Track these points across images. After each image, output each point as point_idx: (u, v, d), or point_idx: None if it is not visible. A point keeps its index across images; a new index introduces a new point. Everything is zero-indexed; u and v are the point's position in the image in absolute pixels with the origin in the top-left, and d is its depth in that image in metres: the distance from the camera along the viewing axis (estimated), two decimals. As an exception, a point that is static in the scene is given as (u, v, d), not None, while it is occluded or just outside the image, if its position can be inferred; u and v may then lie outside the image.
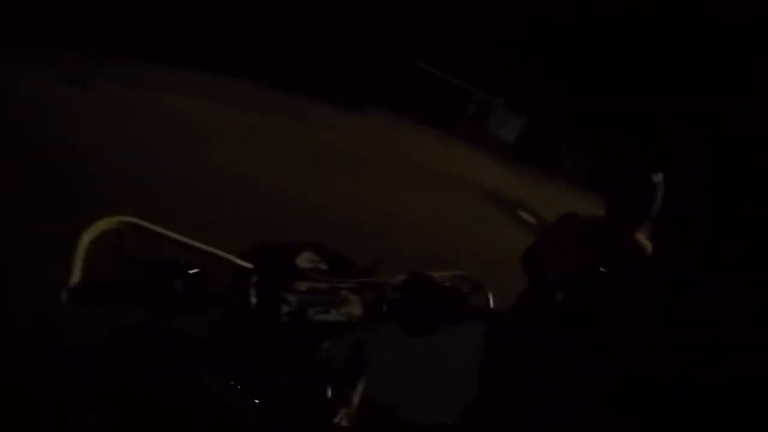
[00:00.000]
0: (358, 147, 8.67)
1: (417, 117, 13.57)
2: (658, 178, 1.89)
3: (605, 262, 1.71)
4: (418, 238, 5.32)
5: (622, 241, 1.78)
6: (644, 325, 0.57)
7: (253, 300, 1.00)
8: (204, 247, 1.06)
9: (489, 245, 6.00)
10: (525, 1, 12.41)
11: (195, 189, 4.36)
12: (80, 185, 3.66)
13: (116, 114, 5.62)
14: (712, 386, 0.49)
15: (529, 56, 12.59)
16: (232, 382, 1.01)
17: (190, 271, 0.96)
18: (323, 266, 1.11)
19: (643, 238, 1.99)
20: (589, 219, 2.09)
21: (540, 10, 11.70)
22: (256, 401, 1.01)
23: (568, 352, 0.67)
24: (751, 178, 0.47)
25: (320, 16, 11.10)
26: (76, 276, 0.89)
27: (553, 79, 12.26)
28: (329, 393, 1.03)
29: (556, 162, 15.01)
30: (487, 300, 1.44)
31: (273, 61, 10.56)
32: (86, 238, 0.93)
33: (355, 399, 1.07)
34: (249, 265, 1.05)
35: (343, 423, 1.02)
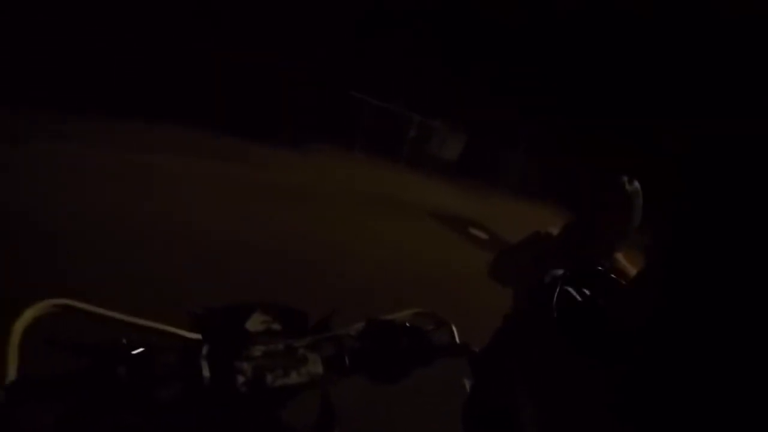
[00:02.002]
0: (302, 182, 8.61)
1: (357, 146, 13.68)
2: (636, 184, 1.75)
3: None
4: (373, 268, 5.28)
5: (602, 262, 1.51)
6: (647, 326, 0.55)
7: (206, 374, 0.92)
8: (146, 323, 0.99)
9: (444, 266, 6.03)
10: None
11: (135, 246, 4.16)
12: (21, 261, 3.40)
13: (50, 173, 5.34)
14: (718, 387, 0.47)
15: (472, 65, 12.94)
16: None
17: (134, 352, 0.89)
18: (276, 326, 1.06)
19: (623, 260, 1.74)
20: (562, 238, 1.86)
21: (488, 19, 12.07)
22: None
23: (570, 355, 0.65)
24: (751, 179, 0.47)
25: (249, 54, 11.09)
26: (11, 372, 0.82)
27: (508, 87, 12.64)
28: None
29: (502, 174, 15.40)
30: (452, 333, 1.41)
31: (207, 103, 10.43)
32: (18, 327, 0.86)
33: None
34: (197, 337, 0.98)
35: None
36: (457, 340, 1.38)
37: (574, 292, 0.73)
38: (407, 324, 1.23)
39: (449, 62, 12.49)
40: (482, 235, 8.82)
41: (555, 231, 1.93)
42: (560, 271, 0.82)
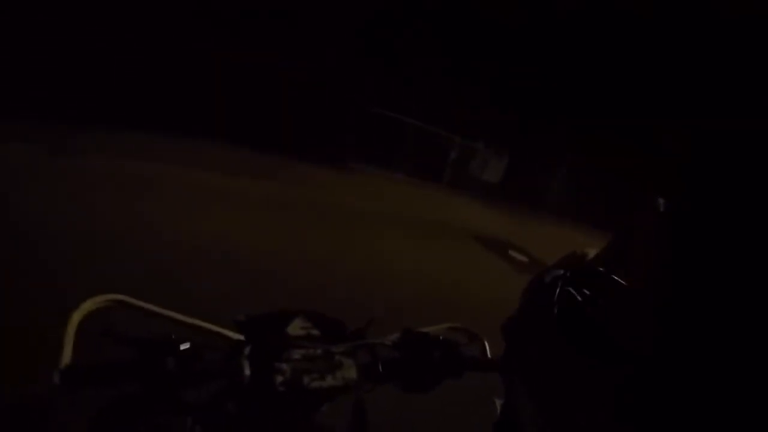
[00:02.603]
0: (346, 203, 8.75)
1: (401, 168, 13.79)
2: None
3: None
4: (413, 287, 5.30)
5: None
6: (647, 326, 0.57)
7: (247, 372, 0.99)
8: (195, 321, 1.06)
9: (483, 287, 5.98)
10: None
11: (187, 259, 4.34)
12: (63, 263, 3.63)
13: (98, 185, 5.64)
14: (718, 387, 0.49)
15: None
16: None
17: (182, 347, 0.95)
18: (315, 332, 1.11)
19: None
20: (597, 259, 1.96)
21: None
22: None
23: (571, 355, 0.66)
24: (752, 178, 0.49)
25: (297, 76, 11.36)
26: (66, 357, 0.89)
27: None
28: None
29: (542, 197, 15.18)
30: (484, 349, 1.43)
31: (256, 124, 10.72)
32: (75, 318, 0.93)
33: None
34: (240, 337, 1.05)
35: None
36: (489, 355, 1.40)
37: (574, 292, 0.74)
38: (440, 337, 1.26)
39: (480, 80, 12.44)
40: (521, 258, 8.70)
41: (591, 252, 1.93)
42: (560, 271, 0.84)
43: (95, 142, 7.31)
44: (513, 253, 8.87)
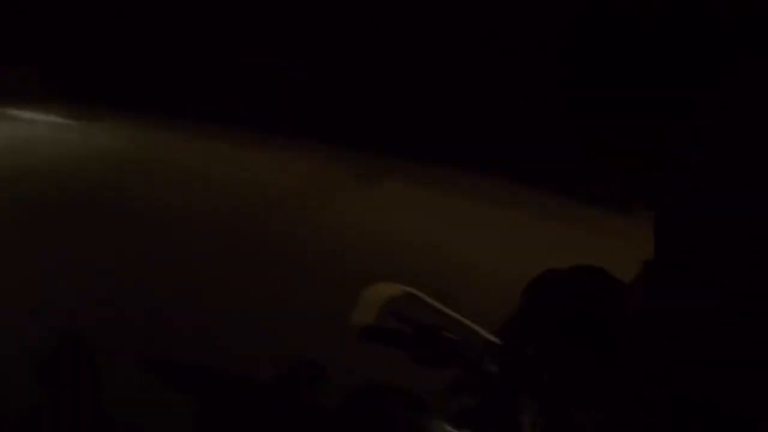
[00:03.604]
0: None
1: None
2: None
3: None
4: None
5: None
6: (647, 326, 0.57)
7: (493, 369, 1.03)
8: (466, 322, 1.14)
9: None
10: None
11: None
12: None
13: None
14: (718, 387, 0.49)
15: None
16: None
17: (452, 337, 1.10)
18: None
19: None
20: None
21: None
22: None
23: (571, 355, 0.66)
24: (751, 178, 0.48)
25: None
26: (367, 318, 1.15)
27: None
28: None
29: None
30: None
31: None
32: (373, 294, 1.21)
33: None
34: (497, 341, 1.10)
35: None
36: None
37: (574, 292, 0.74)
38: None
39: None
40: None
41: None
42: (560, 271, 0.84)
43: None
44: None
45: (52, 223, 1.86)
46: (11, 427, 1.40)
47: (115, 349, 1.41)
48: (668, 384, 0.51)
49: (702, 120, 0.53)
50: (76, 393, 1.41)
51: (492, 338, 1.11)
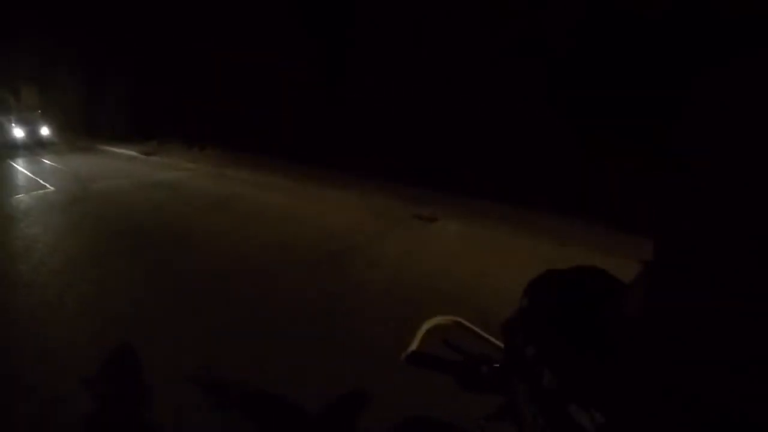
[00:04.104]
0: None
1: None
2: None
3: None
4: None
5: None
6: (647, 325, 0.57)
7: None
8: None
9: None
10: None
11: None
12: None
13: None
14: (718, 387, 0.49)
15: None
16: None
17: (495, 364, 1.13)
18: None
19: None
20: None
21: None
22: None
23: (571, 355, 0.66)
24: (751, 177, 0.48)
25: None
26: (413, 346, 1.37)
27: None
28: None
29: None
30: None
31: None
32: (425, 326, 1.40)
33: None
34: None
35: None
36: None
37: (574, 292, 0.74)
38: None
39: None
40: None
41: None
42: (561, 271, 0.84)
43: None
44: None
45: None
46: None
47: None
48: (668, 384, 0.51)
49: (701, 120, 0.53)
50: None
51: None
